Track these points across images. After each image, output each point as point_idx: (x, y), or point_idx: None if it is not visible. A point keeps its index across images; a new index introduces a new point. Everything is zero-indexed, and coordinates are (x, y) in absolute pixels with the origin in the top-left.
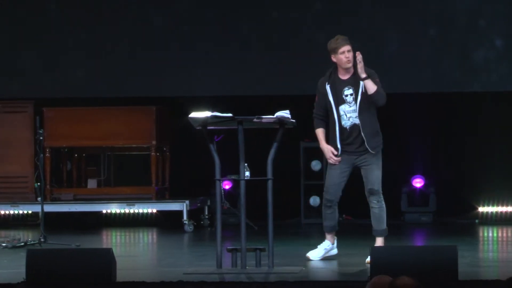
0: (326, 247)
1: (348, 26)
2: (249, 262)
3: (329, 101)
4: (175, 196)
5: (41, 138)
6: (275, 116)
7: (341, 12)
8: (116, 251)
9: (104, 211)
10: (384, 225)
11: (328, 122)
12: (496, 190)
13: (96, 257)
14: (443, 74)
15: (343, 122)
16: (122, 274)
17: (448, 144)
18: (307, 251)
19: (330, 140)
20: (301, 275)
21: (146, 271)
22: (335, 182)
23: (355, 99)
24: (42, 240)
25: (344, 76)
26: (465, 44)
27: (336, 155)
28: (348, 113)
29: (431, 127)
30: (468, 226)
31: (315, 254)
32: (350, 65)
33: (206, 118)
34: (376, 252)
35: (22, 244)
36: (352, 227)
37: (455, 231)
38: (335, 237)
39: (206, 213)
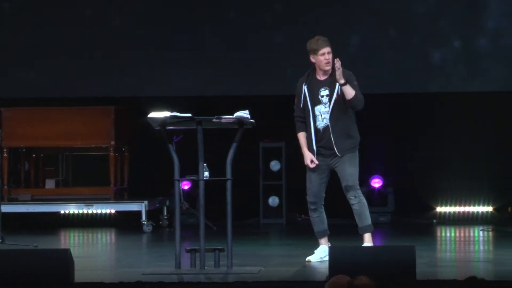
0: (325, 249)
1: (306, 27)
2: (208, 262)
3: (306, 102)
4: (133, 197)
5: None
6: (234, 116)
7: (300, 13)
8: (75, 252)
9: (62, 212)
10: (368, 221)
11: None
12: (454, 190)
13: (54, 258)
14: (401, 76)
15: (317, 123)
16: (80, 275)
17: (406, 145)
18: (267, 252)
19: (307, 141)
20: (260, 275)
21: (105, 271)
22: (314, 183)
23: (330, 100)
24: None
25: (322, 77)
26: (422, 46)
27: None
28: (323, 114)
29: (390, 128)
30: (426, 226)
31: (314, 257)
32: (329, 67)
33: (165, 118)
34: (334, 252)
35: None
36: (311, 227)
37: (413, 231)
38: (329, 243)
39: (165, 213)
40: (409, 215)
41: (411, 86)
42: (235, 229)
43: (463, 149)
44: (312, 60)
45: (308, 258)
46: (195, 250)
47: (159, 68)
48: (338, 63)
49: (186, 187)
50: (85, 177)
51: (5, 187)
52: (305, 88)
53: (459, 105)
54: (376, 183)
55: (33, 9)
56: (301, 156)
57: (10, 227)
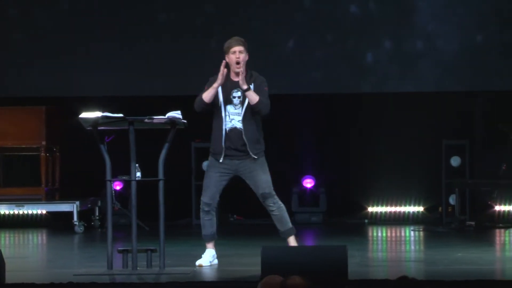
0: (213, 254)
1: (238, 29)
2: (140, 263)
3: (218, 98)
4: (65, 197)
5: None
6: (166, 116)
7: (232, 14)
8: (5, 253)
9: None
10: (289, 224)
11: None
12: (385, 190)
13: None
14: (332, 76)
15: (225, 123)
16: (11, 275)
17: (338, 145)
18: (199, 252)
19: (214, 140)
20: (193, 276)
21: (36, 272)
22: (213, 184)
23: (242, 103)
24: None
25: (235, 78)
26: (354, 46)
27: (219, 158)
28: (232, 115)
29: (321, 128)
30: (357, 226)
31: (205, 261)
32: (239, 69)
33: (97, 119)
34: (266, 252)
35: None
36: (243, 227)
37: (345, 231)
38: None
39: (97, 214)
40: (341, 215)
41: (343, 86)
42: (168, 230)
43: (394, 149)
44: (227, 59)
45: (198, 263)
46: (127, 251)
47: (91, 67)
48: (242, 68)
49: (118, 188)
50: (16, 178)
51: None
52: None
53: (391, 105)
54: (308, 183)
55: None
56: None
57: None
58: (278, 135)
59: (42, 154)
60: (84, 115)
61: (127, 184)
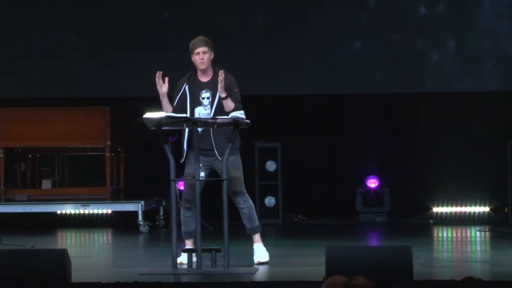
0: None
1: (302, 29)
2: (204, 262)
3: (185, 101)
4: (130, 197)
5: None
6: (230, 116)
7: (296, 15)
8: (71, 252)
9: (58, 212)
10: (256, 222)
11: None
12: (450, 190)
13: (51, 258)
14: (397, 75)
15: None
16: (77, 275)
17: (403, 145)
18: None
19: (188, 140)
20: (257, 276)
21: (101, 272)
22: (191, 180)
23: (211, 103)
24: None
25: (203, 79)
26: (419, 46)
27: (184, 157)
28: (203, 116)
29: (386, 128)
30: (422, 226)
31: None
32: (204, 67)
33: (161, 119)
34: (331, 252)
35: None
36: (306, 228)
37: (409, 231)
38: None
39: (161, 213)
40: (405, 215)
41: (407, 86)
42: (232, 230)
43: (460, 149)
44: (192, 59)
45: (180, 260)
46: (191, 250)
47: (156, 67)
48: (221, 76)
49: (182, 187)
50: (81, 178)
51: (2, 187)
52: (186, 87)
53: (456, 105)
54: (372, 183)
55: (30, 9)
56: (297, 156)
57: (7, 228)
58: (342, 135)
59: (107, 154)
60: (148, 115)
61: None
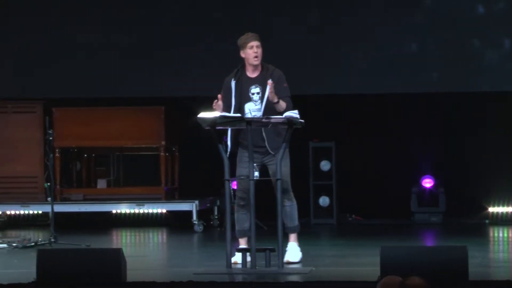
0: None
1: (356, 30)
2: (259, 262)
3: (232, 99)
4: (184, 196)
5: (50, 138)
6: (284, 116)
7: (350, 14)
8: (126, 251)
9: (114, 211)
10: (296, 221)
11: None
12: (506, 190)
13: (106, 257)
14: (451, 75)
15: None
16: (132, 274)
17: (459, 144)
18: (317, 251)
19: (233, 137)
20: (311, 275)
21: (156, 271)
22: (245, 176)
23: (262, 98)
24: (52, 240)
25: (252, 74)
26: (473, 44)
27: (234, 152)
28: (253, 112)
29: (441, 127)
30: (478, 226)
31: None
32: (257, 62)
33: (215, 118)
34: (386, 252)
35: (33, 244)
36: (360, 228)
37: (465, 231)
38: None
39: (216, 213)
40: (461, 215)
41: (461, 85)
42: (285, 229)
43: None
44: (242, 55)
45: (234, 260)
46: (246, 250)
47: (209, 67)
48: (271, 85)
49: (236, 187)
50: (136, 177)
51: (57, 187)
52: (233, 84)
53: (511, 104)
54: (427, 183)
55: (83, 9)
56: (351, 156)
57: (62, 227)
58: (398, 134)
59: (162, 153)
60: (203, 115)
61: None
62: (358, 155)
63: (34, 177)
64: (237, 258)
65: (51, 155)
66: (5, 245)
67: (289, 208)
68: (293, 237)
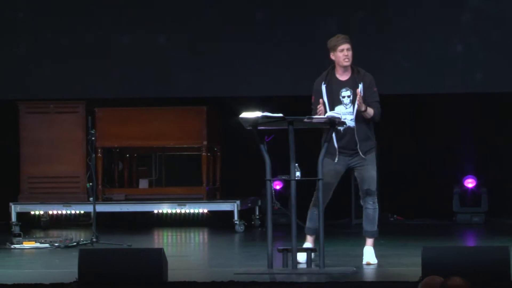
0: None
1: (399, 29)
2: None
3: (323, 101)
4: (226, 196)
5: (92, 138)
6: (325, 116)
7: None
8: (168, 251)
9: (155, 211)
10: (375, 226)
11: None
12: None
13: (147, 257)
14: (494, 75)
15: None
16: (173, 274)
17: (500, 144)
18: (358, 252)
19: (325, 140)
20: (353, 276)
21: (197, 271)
22: (328, 181)
23: (353, 102)
24: (94, 240)
25: (342, 77)
26: None
27: (334, 159)
28: (344, 115)
29: (483, 127)
30: None
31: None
32: (348, 63)
33: (257, 118)
34: (427, 253)
35: (74, 244)
36: (402, 228)
37: (507, 231)
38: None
39: (257, 213)
40: (503, 216)
41: (505, 86)
42: (327, 229)
43: None
44: (332, 57)
45: (298, 258)
46: (287, 250)
47: (251, 68)
48: (359, 97)
49: (278, 187)
50: (178, 177)
51: (99, 187)
52: (323, 87)
53: None
54: (470, 183)
55: (123, 8)
56: (393, 156)
57: (104, 227)
58: (440, 134)
59: (203, 153)
60: (244, 115)
61: (287, 184)
62: (400, 155)
63: (76, 177)
64: (300, 257)
65: (93, 155)
66: (47, 245)
67: (372, 211)
68: (370, 241)
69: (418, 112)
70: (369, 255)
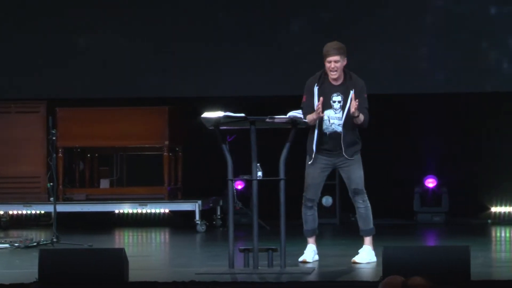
0: (314, 249)
1: (367, 27)
2: (261, 262)
3: (314, 103)
4: (187, 196)
5: (53, 138)
6: (287, 116)
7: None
8: (129, 251)
9: (116, 211)
10: (371, 224)
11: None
12: (509, 190)
13: (108, 257)
14: (455, 75)
15: (324, 127)
16: (134, 274)
17: (461, 144)
18: (320, 251)
19: (308, 141)
20: (313, 275)
21: (159, 271)
22: (315, 181)
23: (343, 108)
24: (54, 240)
25: (335, 82)
26: (478, 45)
27: (312, 158)
28: (332, 119)
29: (444, 128)
30: (480, 226)
31: (309, 256)
32: (335, 76)
33: (219, 118)
34: (388, 252)
35: (35, 244)
36: None
37: (467, 231)
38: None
39: (219, 213)
40: (463, 215)
41: (467, 86)
42: (289, 229)
43: None
44: (324, 63)
45: (302, 258)
46: (248, 250)
47: (212, 69)
48: (354, 104)
49: (239, 187)
50: (139, 177)
51: (60, 187)
52: (316, 89)
53: None
54: (430, 183)
55: (88, 10)
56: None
57: (65, 227)
58: (402, 134)
59: (165, 153)
60: (207, 115)
61: (248, 184)
62: (361, 154)
63: (37, 177)
64: (305, 257)
65: (54, 155)
66: (7, 245)
67: (364, 210)
68: (368, 240)
69: (380, 112)
70: (361, 254)
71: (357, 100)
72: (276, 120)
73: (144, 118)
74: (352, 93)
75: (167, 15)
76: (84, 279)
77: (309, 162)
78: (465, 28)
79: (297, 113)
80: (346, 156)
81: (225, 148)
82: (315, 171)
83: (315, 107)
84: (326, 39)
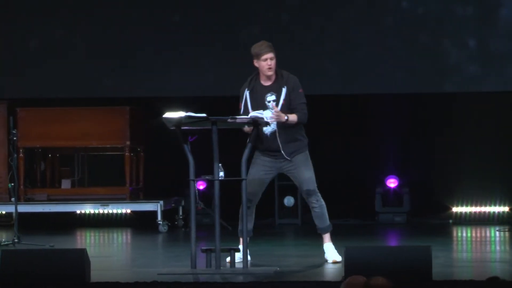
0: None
1: (324, 28)
2: (223, 262)
3: (247, 107)
4: (149, 197)
5: (14, 138)
6: (249, 116)
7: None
8: (90, 252)
9: (78, 212)
10: (327, 221)
11: None
12: (470, 190)
13: (70, 258)
14: (415, 75)
15: (264, 128)
16: (96, 274)
17: (423, 145)
18: (282, 251)
19: (249, 141)
20: (276, 276)
21: (120, 271)
22: (257, 181)
23: (277, 106)
24: (15, 240)
25: (267, 82)
26: (437, 45)
27: (260, 157)
28: (270, 120)
29: (406, 128)
30: (442, 226)
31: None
32: (271, 73)
33: (180, 119)
34: (350, 252)
35: None
36: None
37: (429, 231)
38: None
39: (181, 213)
40: (424, 215)
41: (427, 86)
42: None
43: (479, 149)
44: (256, 64)
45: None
46: (210, 250)
47: (174, 69)
48: (275, 110)
49: (201, 187)
50: (101, 177)
51: (21, 187)
52: (247, 93)
53: (475, 105)
54: (392, 183)
55: (46, 8)
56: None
57: (26, 227)
58: (363, 135)
59: (127, 154)
60: (168, 115)
61: (210, 184)
62: (322, 155)
63: None
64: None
65: (15, 155)
66: None
67: (318, 209)
68: (327, 237)
69: (341, 113)
70: (331, 252)
71: (277, 108)
72: (237, 121)
73: (106, 118)
74: (284, 90)
75: (126, 16)
76: (46, 279)
77: (255, 161)
78: (424, 28)
79: (258, 114)
80: (284, 154)
81: (187, 148)
82: (258, 171)
83: (250, 112)
84: (283, 40)
